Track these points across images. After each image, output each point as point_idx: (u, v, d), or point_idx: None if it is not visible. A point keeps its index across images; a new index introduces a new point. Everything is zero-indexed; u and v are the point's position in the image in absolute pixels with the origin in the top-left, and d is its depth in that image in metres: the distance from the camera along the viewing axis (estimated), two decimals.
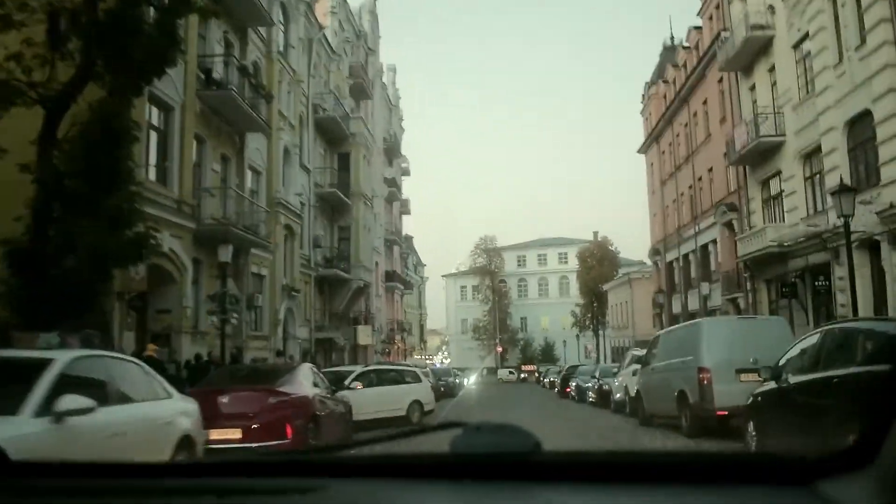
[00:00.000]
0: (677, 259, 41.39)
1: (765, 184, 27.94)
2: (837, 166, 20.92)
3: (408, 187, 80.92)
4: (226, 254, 16.11)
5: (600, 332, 76.92)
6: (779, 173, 26.36)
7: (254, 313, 25.03)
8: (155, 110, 19.11)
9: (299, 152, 32.06)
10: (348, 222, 37.26)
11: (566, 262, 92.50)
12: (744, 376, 11.01)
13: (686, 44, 38.70)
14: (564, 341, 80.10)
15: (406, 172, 66.59)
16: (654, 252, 46.35)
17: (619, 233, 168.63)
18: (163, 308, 18.67)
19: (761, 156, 26.78)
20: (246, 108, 22.37)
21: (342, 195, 35.59)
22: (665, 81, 43.52)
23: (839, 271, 21.19)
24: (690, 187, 38.19)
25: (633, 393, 15.96)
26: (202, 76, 21.23)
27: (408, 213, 66.24)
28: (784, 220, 25.87)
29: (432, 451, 1.38)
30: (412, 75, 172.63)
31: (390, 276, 54.96)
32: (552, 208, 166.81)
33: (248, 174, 25.60)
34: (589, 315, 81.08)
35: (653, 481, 1.25)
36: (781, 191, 26.23)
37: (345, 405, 11.83)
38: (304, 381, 9.69)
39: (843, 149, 20.90)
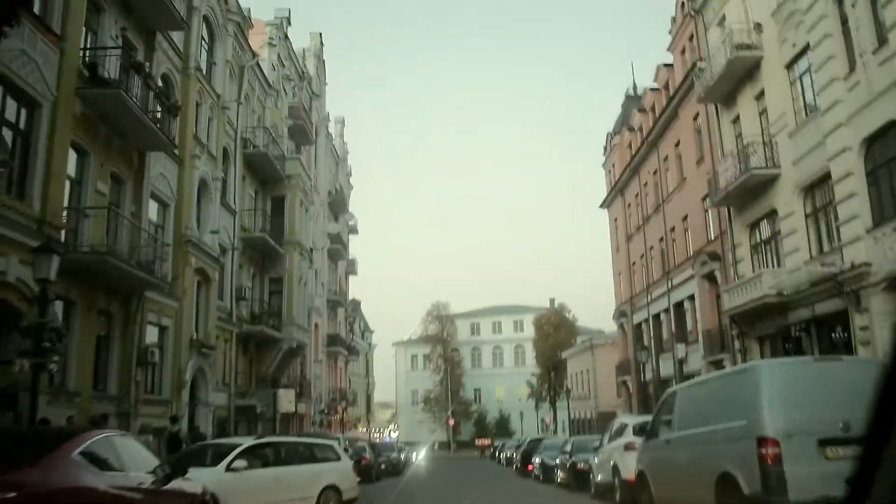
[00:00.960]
0: (646, 320, 37.72)
1: (753, 227, 24.51)
2: (854, 193, 17.53)
3: (357, 251, 76.91)
4: (48, 269, 11.48)
5: (559, 403, 72.87)
6: (771, 213, 22.94)
7: (148, 372, 20.42)
8: (12, 102, 14.90)
9: (222, 188, 27.88)
10: (280, 274, 32.90)
11: (522, 331, 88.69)
12: (831, 450, 6.95)
13: (654, 84, 35.78)
14: (521, 413, 75.51)
15: (354, 230, 62.49)
16: (620, 314, 42.69)
17: (577, 301, 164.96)
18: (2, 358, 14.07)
19: (750, 194, 23.40)
20: (142, 116, 18.22)
21: (274, 243, 31.33)
22: (630, 129, 40.59)
23: (860, 320, 17.58)
24: (661, 239, 34.79)
25: (626, 474, 11.93)
26: (86, 73, 17.14)
27: (354, 273, 61.91)
28: (781, 265, 22.36)
29: None
30: (361, 142, 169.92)
31: (333, 339, 50.32)
32: (507, 275, 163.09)
33: (151, 204, 21.30)
34: (546, 385, 77.08)
35: None
36: (777, 232, 22.77)
37: (195, 499, 7.43)
38: (78, 461, 5.45)
39: (861, 172, 17.48)
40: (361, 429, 58.01)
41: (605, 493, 14.15)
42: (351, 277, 62.89)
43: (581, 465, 17.82)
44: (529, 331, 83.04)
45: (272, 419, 33.57)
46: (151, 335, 20.62)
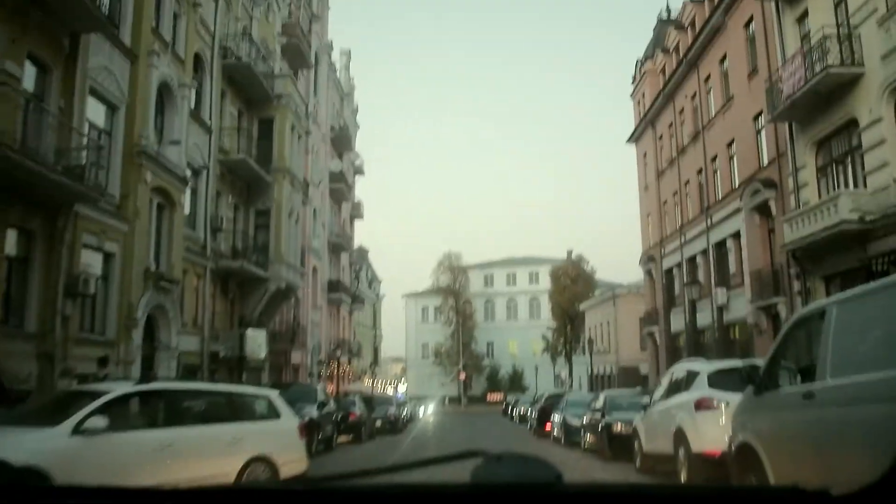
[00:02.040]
0: (679, 265, 33.73)
1: (822, 144, 20.37)
2: None
3: (364, 196, 73.08)
4: None
5: (576, 358, 69.39)
6: (847, 125, 18.80)
7: (84, 305, 16.78)
8: None
9: (195, 101, 24.04)
10: (267, 206, 29.06)
11: (537, 283, 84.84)
12: None
13: None
14: (536, 367, 71.94)
15: (360, 171, 58.55)
16: (648, 259, 38.70)
17: (595, 254, 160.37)
18: None
19: (821, 102, 19.24)
20: None
21: (259, 169, 27.44)
22: (665, 51, 36.15)
23: None
24: (700, 172, 30.62)
25: (701, 444, 8.16)
26: None
27: (360, 217, 58.09)
28: (858, 186, 18.32)
29: (453, 482, 1.33)
30: (369, 79, 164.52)
31: (334, 286, 46.69)
32: (523, 227, 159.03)
33: (92, 104, 17.45)
34: (562, 340, 73.54)
35: None
36: (855, 147, 18.66)
37: None
38: None
39: None
40: (367, 382, 54.67)
41: (658, 466, 10.42)
42: (357, 223, 59.18)
43: (619, 428, 14.05)
44: (545, 283, 79.22)
45: (262, 369, 30.20)
46: (91, 261, 16.90)
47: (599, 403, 16.65)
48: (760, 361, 7.16)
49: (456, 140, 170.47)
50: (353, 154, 56.20)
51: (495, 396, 74.29)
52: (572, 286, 71.73)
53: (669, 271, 35.56)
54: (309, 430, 15.49)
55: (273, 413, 8.95)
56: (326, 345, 42.82)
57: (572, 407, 20.22)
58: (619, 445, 13.83)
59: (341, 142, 49.49)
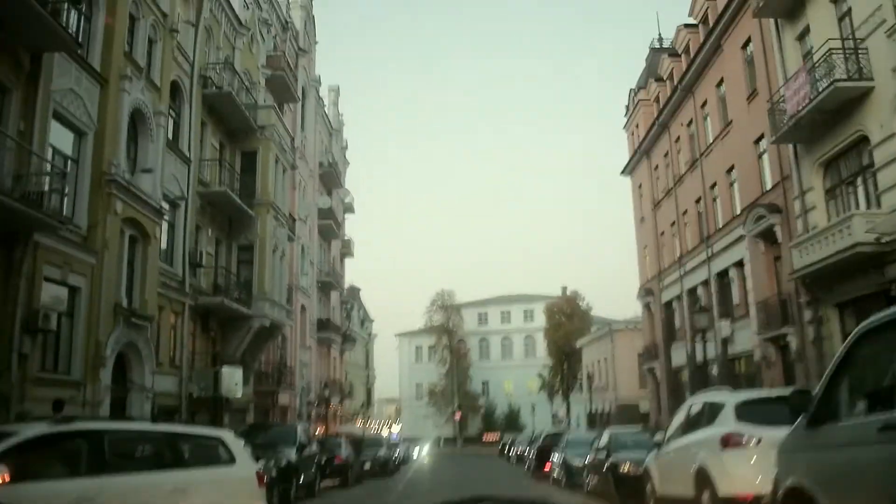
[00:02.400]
0: (678, 297, 32.64)
1: (830, 165, 19.44)
2: None
3: (355, 236, 72.14)
4: None
5: (573, 396, 67.93)
6: (857, 143, 17.87)
7: (47, 343, 15.54)
8: None
9: (173, 131, 23.08)
10: (251, 241, 27.92)
11: (532, 320, 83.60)
12: None
13: (691, 20, 30.49)
14: (533, 406, 70.29)
15: (350, 209, 57.60)
16: (646, 293, 37.60)
17: (590, 291, 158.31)
18: None
19: (827, 120, 18.36)
20: None
21: (241, 202, 26.34)
22: (658, 79, 35.46)
23: None
24: (698, 201, 29.69)
25: (731, 486, 6.97)
26: None
27: (350, 255, 56.99)
28: (870, 206, 17.34)
29: None
30: (360, 117, 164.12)
31: (324, 325, 45.43)
32: (516, 265, 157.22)
33: (57, 128, 16.39)
34: (558, 378, 72.07)
35: None
36: (865, 166, 17.72)
37: None
38: None
39: None
40: (359, 423, 53.07)
41: None
42: (347, 261, 58.09)
43: (627, 469, 12.79)
44: (540, 321, 77.99)
45: (242, 409, 28.79)
46: (53, 295, 15.69)
47: (603, 442, 15.33)
48: (800, 387, 6.02)
49: (448, 178, 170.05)
50: (343, 191, 55.32)
51: (491, 437, 72.59)
52: (568, 323, 70.51)
53: (669, 304, 34.46)
54: (285, 474, 14.27)
55: (226, 457, 7.64)
56: (317, 385, 41.36)
57: (573, 446, 18.88)
58: (627, 488, 12.53)
59: (330, 178, 48.60)
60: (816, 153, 19.49)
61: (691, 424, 9.03)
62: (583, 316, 72.09)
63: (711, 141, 27.89)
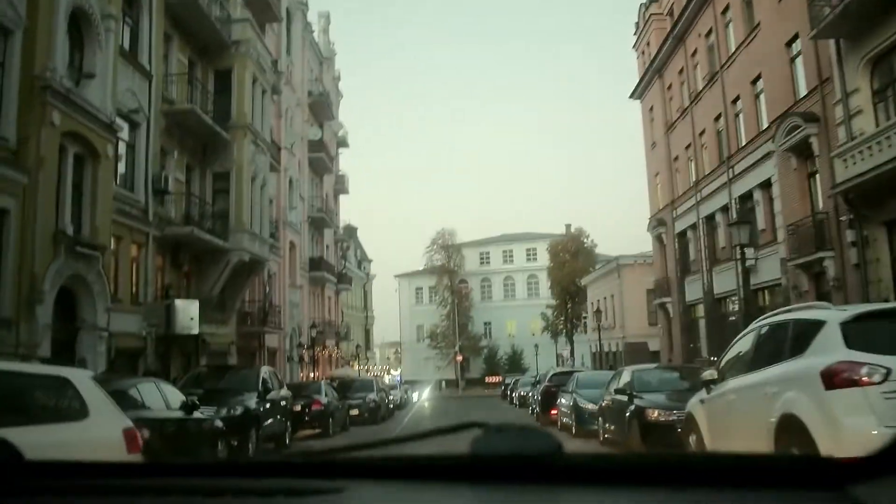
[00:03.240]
0: (693, 226, 30.19)
1: (880, 61, 16.79)
2: None
3: (351, 173, 69.48)
4: None
5: (577, 337, 66.11)
6: None
7: None
8: None
9: (127, 38, 20.44)
10: (227, 168, 25.41)
11: (535, 259, 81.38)
12: None
13: None
14: (536, 346, 68.30)
15: (343, 143, 54.92)
16: (657, 224, 35.15)
17: (594, 229, 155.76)
18: None
19: (880, 6, 15.67)
20: None
21: (211, 123, 23.74)
22: None
23: None
24: (718, 118, 27.04)
25: (850, 442, 4.68)
26: None
27: (345, 192, 54.41)
28: None
29: (452, 453, 1.33)
30: (353, 47, 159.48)
31: (316, 264, 43.12)
32: (518, 203, 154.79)
33: None
34: (562, 318, 70.13)
35: (677, 484, 1.21)
36: None
37: None
38: None
39: None
40: (355, 366, 51.20)
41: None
42: (343, 199, 55.64)
43: (655, 416, 10.50)
44: (543, 259, 75.76)
45: (228, 353, 26.70)
46: None
47: (622, 382, 12.98)
48: None
49: (445, 111, 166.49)
50: (336, 124, 52.54)
51: (494, 379, 70.99)
52: (572, 261, 68.21)
53: (682, 234, 32.02)
54: (240, 424, 12.06)
55: (75, 409, 5.30)
56: (309, 327, 39.24)
57: (584, 387, 16.50)
58: (656, 438, 10.27)
59: (321, 109, 45.78)
60: (863, 48, 16.83)
61: (765, 355, 6.58)
62: (587, 254, 69.80)
63: (734, 50, 25.12)
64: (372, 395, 23.66)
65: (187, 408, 8.69)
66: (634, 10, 37.80)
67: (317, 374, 40.80)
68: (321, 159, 44.10)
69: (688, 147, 30.69)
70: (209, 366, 18.80)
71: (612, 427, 12.96)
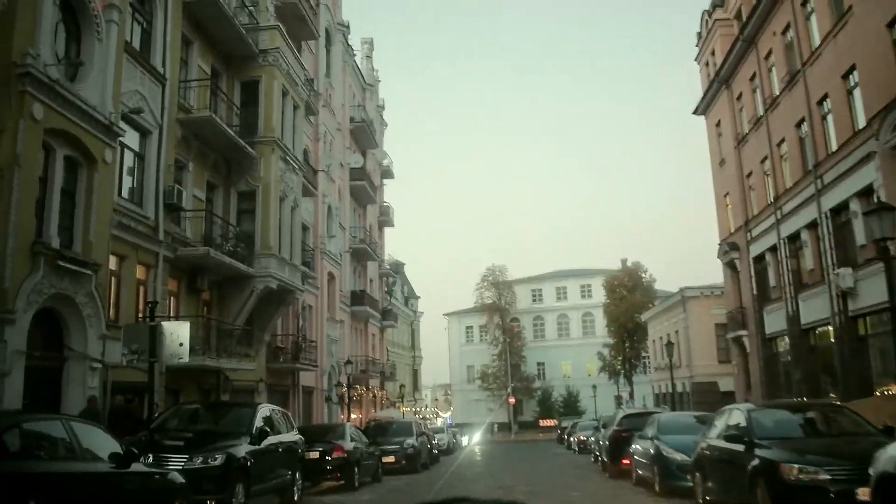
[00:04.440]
0: (774, 248, 26.90)
1: None
2: None
3: (397, 209, 67.39)
4: None
5: (636, 377, 62.44)
6: None
7: None
8: None
9: (138, 37, 18.44)
10: (252, 186, 23.14)
11: (590, 296, 77.93)
12: None
13: None
14: (595, 386, 64.43)
15: (388, 174, 52.79)
16: (729, 249, 31.85)
17: (651, 264, 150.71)
18: None
19: None
20: None
21: (232, 134, 21.52)
22: None
23: None
24: (800, 123, 23.95)
25: None
26: None
27: (390, 224, 52.10)
28: None
29: None
30: (399, 80, 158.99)
31: (358, 297, 40.65)
32: (570, 238, 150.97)
33: None
34: (620, 358, 66.44)
35: None
36: None
37: None
38: None
39: None
40: (401, 408, 48.30)
41: None
42: (388, 233, 53.32)
43: (797, 473, 7.40)
44: (598, 296, 72.33)
45: (257, 391, 24.19)
46: None
47: (730, 425, 9.79)
48: None
49: (495, 145, 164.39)
50: (380, 153, 50.55)
51: (548, 422, 67.40)
52: (630, 296, 64.72)
53: (760, 258, 28.70)
54: (221, 477, 9.34)
55: None
56: (344, 363, 36.59)
57: (668, 433, 13.17)
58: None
59: (363, 136, 43.75)
60: None
61: None
62: (646, 289, 66.30)
63: (819, 43, 22.12)
64: (410, 440, 20.64)
65: (120, 459, 6.06)
66: (689, 26, 35.13)
67: (360, 415, 38.10)
68: (363, 188, 41.90)
69: (763, 160, 27.55)
70: (197, 401, 16.12)
71: (716, 485, 9.85)
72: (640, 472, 14.60)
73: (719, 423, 10.59)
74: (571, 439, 35.00)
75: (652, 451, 13.44)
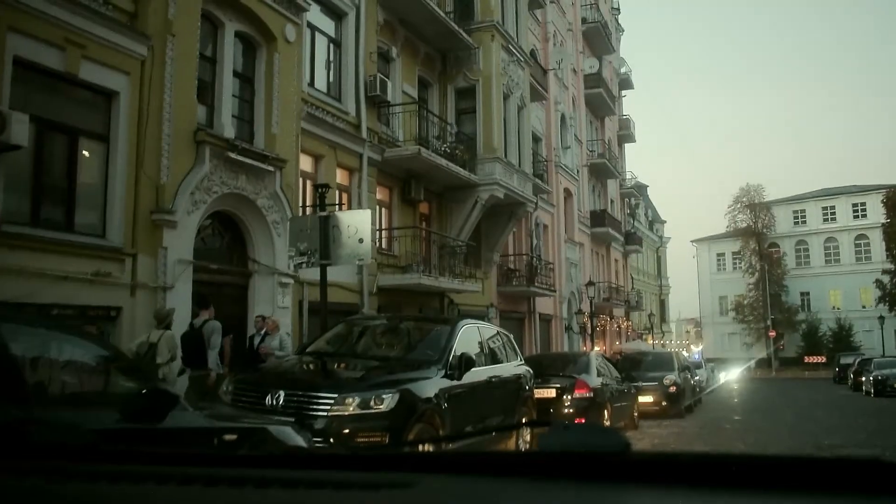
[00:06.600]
0: None
1: None
2: None
3: (638, 125, 61.90)
4: None
5: None
6: None
7: (34, 170, 8.78)
8: None
9: None
10: (471, 83, 19.87)
11: (864, 216, 67.66)
12: None
13: None
14: (881, 318, 55.25)
15: (627, 84, 47.65)
16: None
17: None
18: None
19: None
20: None
21: (444, 17, 18.24)
22: None
23: None
24: None
25: None
26: None
27: (630, 139, 47.14)
28: None
29: (522, 449, 1.46)
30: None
31: (599, 218, 36.67)
32: (834, 155, 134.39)
33: None
34: None
35: (747, 485, 1.13)
36: None
37: None
38: None
39: None
40: (649, 340, 43.99)
41: None
42: (629, 150, 48.47)
43: None
44: (875, 215, 62.29)
45: (479, 317, 21.37)
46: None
47: None
48: None
49: (745, 52, 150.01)
50: (617, 59, 45.50)
51: (815, 359, 59.73)
52: None
53: None
54: (393, 430, 6.02)
55: None
56: (586, 284, 32.95)
57: None
58: None
59: (597, 39, 39.12)
60: None
61: None
62: None
63: None
64: (672, 376, 16.61)
65: (136, 399, 3.05)
66: None
67: (603, 348, 34.52)
68: (600, 96, 37.44)
69: None
70: (374, 315, 13.12)
71: None
72: None
73: None
74: (861, 379, 29.09)
75: None
